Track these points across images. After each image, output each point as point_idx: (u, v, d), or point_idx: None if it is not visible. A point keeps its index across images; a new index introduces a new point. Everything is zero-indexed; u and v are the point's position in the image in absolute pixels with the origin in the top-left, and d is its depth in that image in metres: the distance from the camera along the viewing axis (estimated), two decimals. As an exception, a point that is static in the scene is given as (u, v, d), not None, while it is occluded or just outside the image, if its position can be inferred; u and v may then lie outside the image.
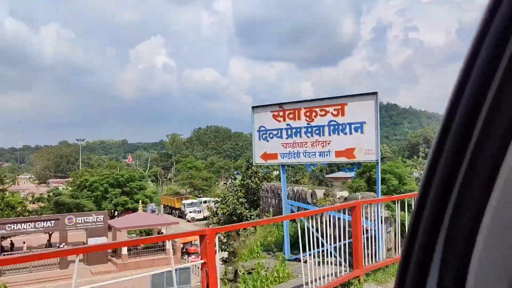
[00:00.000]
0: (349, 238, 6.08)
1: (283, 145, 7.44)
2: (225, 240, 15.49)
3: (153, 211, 50.30)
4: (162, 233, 34.22)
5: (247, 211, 19.46)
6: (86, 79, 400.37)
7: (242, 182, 21.46)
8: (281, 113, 7.37)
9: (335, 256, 6.09)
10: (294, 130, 7.30)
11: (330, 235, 6.01)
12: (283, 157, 7.51)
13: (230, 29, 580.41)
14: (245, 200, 20.27)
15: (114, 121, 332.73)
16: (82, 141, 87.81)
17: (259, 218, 14.49)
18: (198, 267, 4.90)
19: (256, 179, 20.44)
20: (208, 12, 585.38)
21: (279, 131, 7.48)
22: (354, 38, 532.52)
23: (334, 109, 6.78)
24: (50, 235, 33.95)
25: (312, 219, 6.14)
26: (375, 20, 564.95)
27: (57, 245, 30.62)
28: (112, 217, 42.14)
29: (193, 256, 30.60)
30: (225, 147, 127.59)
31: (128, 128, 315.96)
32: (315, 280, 5.59)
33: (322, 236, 6.13)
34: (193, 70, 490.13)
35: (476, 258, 0.54)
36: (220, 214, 21.45)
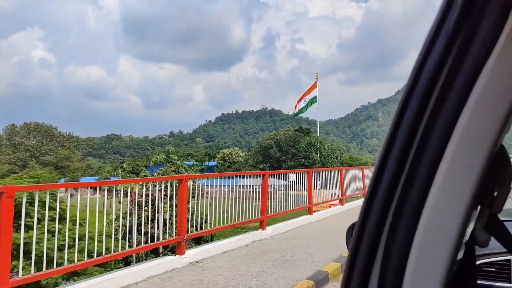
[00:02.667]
0: None
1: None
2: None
3: None
4: None
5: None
6: None
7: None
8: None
9: None
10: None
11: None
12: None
13: (117, 25, 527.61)
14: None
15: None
16: None
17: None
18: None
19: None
20: (93, 6, 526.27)
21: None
22: (245, 45, 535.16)
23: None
24: None
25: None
26: (265, 29, 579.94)
27: None
28: None
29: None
30: (44, 149, 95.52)
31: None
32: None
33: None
34: (76, 67, 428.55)
35: (413, 258, 0.56)
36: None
